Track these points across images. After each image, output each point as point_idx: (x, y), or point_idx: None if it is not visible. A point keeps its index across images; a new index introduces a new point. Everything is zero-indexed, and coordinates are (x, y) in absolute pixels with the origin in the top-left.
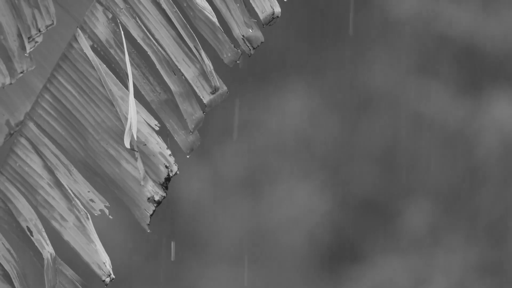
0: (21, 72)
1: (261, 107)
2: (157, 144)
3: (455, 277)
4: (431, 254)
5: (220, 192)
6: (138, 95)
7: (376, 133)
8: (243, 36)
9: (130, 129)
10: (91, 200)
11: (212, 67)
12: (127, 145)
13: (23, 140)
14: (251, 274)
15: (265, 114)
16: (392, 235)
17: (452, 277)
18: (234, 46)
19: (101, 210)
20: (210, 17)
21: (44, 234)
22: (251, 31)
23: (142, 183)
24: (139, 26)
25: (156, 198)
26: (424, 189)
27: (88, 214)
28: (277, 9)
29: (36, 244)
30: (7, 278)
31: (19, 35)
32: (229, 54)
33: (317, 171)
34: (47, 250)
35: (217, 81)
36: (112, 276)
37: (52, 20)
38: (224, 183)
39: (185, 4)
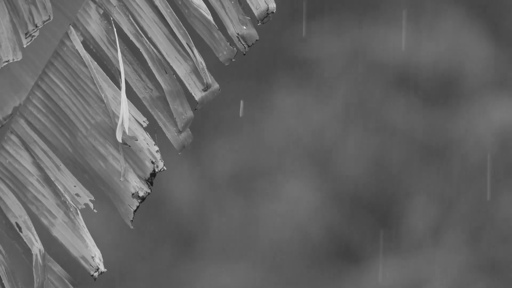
0: (6, 62)
1: (251, 104)
2: (144, 140)
3: (453, 277)
4: (427, 253)
5: (212, 190)
6: (128, 92)
7: (370, 131)
8: (237, 34)
9: (122, 124)
10: (77, 195)
11: (204, 64)
12: (119, 140)
13: (13, 137)
14: (244, 272)
15: (256, 111)
16: (388, 233)
17: (450, 277)
18: (230, 44)
19: (85, 204)
20: (205, 15)
21: (33, 230)
22: (245, 29)
23: (121, 178)
24: (132, 24)
25: (141, 194)
26: (419, 187)
27: (77, 210)
28: (272, 5)
29: (25, 240)
30: None
31: (15, 30)
32: (225, 53)
33: (309, 168)
34: (36, 246)
35: (209, 78)
36: (102, 270)
37: (49, 16)
38: (216, 180)
39: (179, 2)
